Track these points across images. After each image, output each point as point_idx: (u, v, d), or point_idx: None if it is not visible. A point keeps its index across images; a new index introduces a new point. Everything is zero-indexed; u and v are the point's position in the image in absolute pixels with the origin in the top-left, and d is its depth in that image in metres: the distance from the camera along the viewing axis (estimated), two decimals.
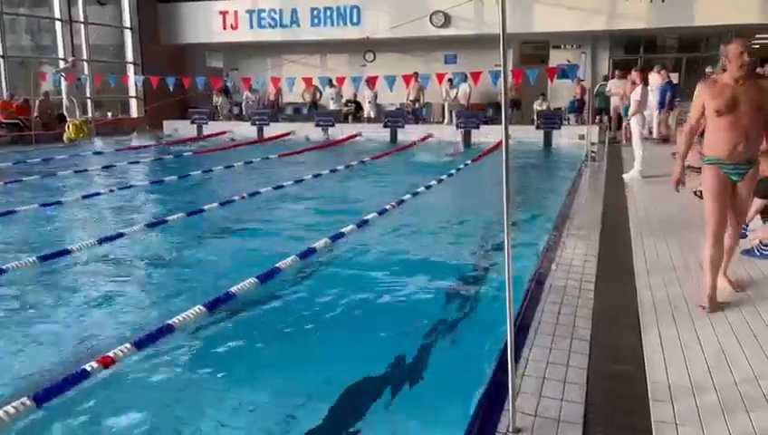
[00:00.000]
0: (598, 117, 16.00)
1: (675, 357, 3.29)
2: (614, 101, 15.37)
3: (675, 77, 17.12)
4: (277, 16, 20.09)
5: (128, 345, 3.47)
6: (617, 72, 14.78)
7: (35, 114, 16.81)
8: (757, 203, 5.46)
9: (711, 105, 3.94)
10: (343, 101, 19.87)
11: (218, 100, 20.73)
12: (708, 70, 13.97)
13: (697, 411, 2.75)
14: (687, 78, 17.90)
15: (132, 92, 21.15)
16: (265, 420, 3.16)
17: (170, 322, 3.83)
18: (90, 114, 17.71)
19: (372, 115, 19.35)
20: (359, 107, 20.17)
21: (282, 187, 9.45)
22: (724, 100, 3.87)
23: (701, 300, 4.05)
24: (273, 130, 18.60)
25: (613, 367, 3.24)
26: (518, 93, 18.28)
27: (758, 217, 5.68)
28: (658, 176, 9.22)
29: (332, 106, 19.66)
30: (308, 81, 18.41)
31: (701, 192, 7.90)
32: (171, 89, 17.40)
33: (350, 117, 19.80)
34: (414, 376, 3.63)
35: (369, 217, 7.06)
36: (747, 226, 5.40)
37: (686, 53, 19.02)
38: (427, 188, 9.22)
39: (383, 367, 3.66)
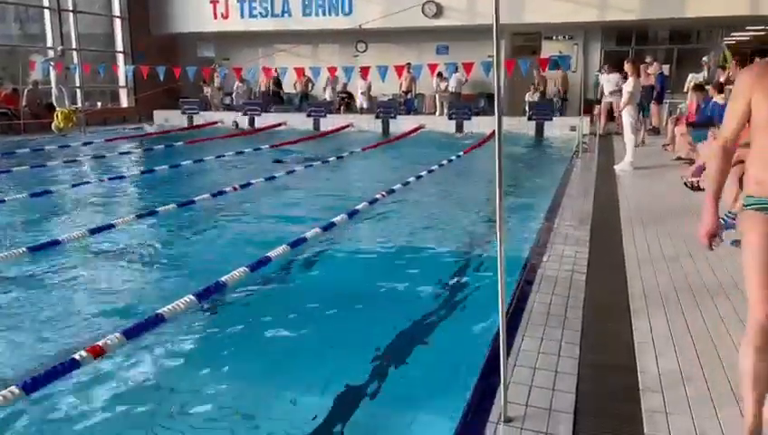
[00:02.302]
0: (597, 107, 15.98)
1: (665, 347, 3.31)
2: (606, 97, 15.21)
3: (666, 69, 17.14)
4: (268, 5, 19.92)
5: (117, 335, 3.45)
6: (606, 67, 14.48)
7: (24, 104, 16.66)
8: None
9: (764, 107, 2.28)
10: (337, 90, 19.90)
11: (208, 90, 20.65)
12: (705, 59, 13.92)
13: (687, 401, 2.77)
14: (679, 70, 17.99)
15: (122, 82, 20.99)
16: (257, 415, 3.16)
17: (160, 311, 3.82)
18: (79, 104, 17.53)
19: (365, 106, 19.31)
20: (350, 97, 20.11)
21: (274, 177, 9.43)
22: None
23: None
24: (264, 120, 18.60)
25: (604, 357, 3.25)
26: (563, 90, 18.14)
27: None
28: (649, 167, 9.26)
29: (327, 97, 19.63)
30: (300, 71, 18.32)
31: (692, 182, 7.93)
32: (162, 79, 17.27)
33: (342, 107, 19.76)
34: (406, 367, 3.63)
35: (359, 206, 7.06)
36: None
37: (677, 45, 19.06)
38: (418, 178, 9.21)
39: (375, 358, 3.65)
